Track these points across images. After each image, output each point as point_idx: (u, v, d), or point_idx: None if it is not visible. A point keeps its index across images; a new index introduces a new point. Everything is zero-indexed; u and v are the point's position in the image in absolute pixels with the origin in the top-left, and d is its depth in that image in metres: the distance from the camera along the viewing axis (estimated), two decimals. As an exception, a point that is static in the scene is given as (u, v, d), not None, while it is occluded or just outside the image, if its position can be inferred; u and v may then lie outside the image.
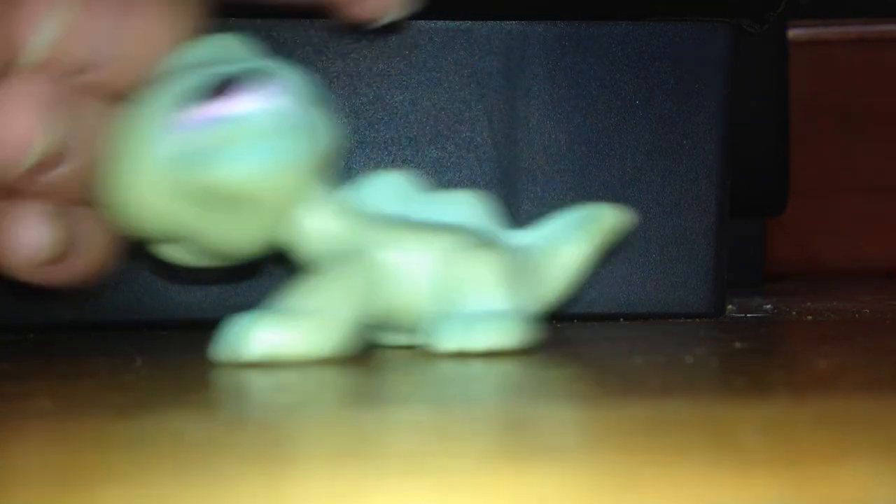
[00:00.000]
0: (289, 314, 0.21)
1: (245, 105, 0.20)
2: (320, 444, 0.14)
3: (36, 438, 0.14)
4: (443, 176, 0.29)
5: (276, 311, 0.21)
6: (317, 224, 0.22)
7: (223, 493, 0.11)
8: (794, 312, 0.32)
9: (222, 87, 0.21)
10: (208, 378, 0.20)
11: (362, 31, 0.28)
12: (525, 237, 0.24)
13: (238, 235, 0.22)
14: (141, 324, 0.29)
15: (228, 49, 0.22)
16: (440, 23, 0.29)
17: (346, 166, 0.29)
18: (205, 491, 0.11)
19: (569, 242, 0.24)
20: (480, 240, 0.22)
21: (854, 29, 0.60)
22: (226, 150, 0.20)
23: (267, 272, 0.29)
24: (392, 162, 0.29)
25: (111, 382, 0.20)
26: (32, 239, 0.24)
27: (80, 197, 0.24)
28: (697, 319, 0.29)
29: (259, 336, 0.21)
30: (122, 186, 0.21)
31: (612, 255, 0.29)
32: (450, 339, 0.21)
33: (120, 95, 0.22)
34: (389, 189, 0.23)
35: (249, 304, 0.29)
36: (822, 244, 0.61)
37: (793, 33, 0.54)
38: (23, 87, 0.22)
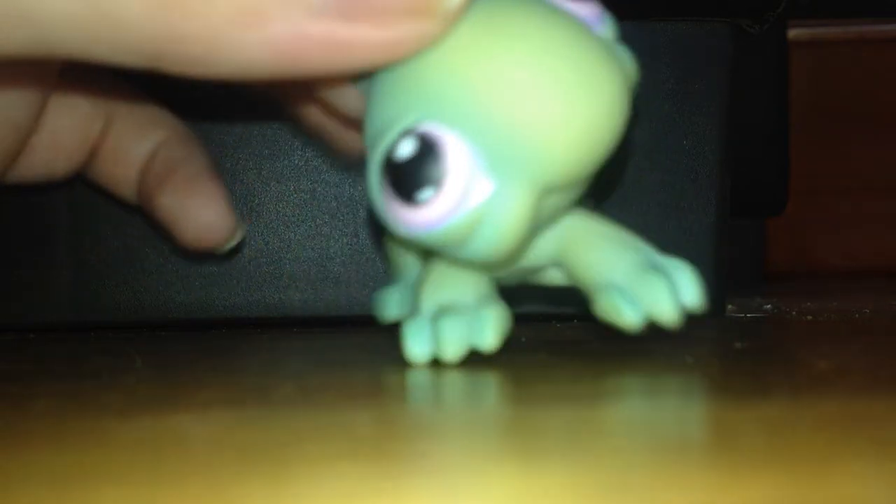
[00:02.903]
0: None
1: None
2: (320, 444, 0.14)
3: (36, 438, 0.14)
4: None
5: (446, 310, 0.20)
6: None
7: (223, 493, 0.11)
8: (794, 312, 0.32)
9: None
10: (208, 378, 0.20)
11: None
12: None
13: None
14: (141, 324, 0.29)
15: None
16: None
17: (352, 179, 0.29)
18: (205, 491, 0.11)
19: None
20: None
21: (854, 29, 0.60)
22: None
23: (273, 274, 0.29)
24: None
25: (111, 382, 0.20)
26: (224, 224, 0.25)
27: None
28: (697, 319, 0.29)
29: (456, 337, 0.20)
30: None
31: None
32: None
33: None
34: None
35: (249, 304, 0.29)
36: (822, 244, 0.61)
37: (793, 33, 0.54)
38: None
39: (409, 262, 0.23)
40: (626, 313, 0.20)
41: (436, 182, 0.18)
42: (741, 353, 0.22)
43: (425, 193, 0.18)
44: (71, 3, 0.16)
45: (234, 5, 0.16)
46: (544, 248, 0.21)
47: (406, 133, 0.18)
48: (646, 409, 0.16)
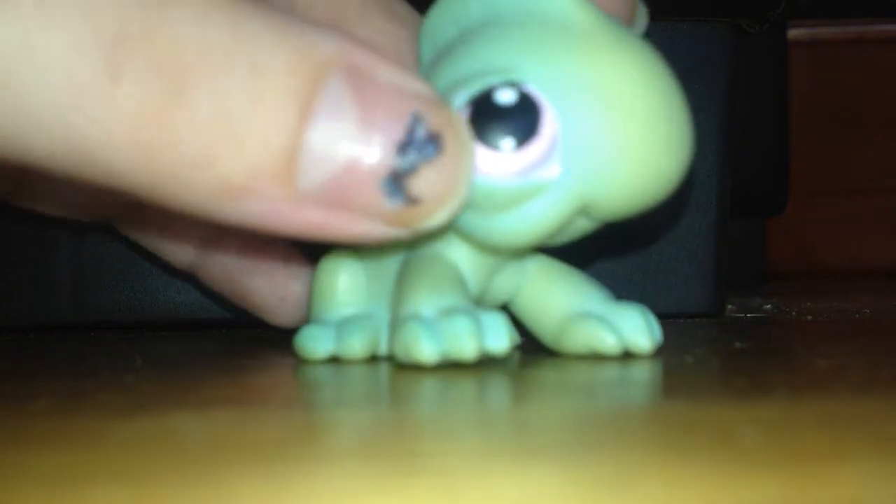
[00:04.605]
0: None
1: None
2: (320, 444, 0.14)
3: (36, 438, 0.14)
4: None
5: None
6: None
7: (223, 493, 0.11)
8: (794, 312, 0.32)
9: None
10: (208, 378, 0.20)
11: None
12: None
13: None
14: (141, 324, 0.29)
15: None
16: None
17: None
18: (205, 491, 0.11)
19: None
20: None
21: (854, 29, 0.60)
22: None
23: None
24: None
25: (111, 382, 0.20)
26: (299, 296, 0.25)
27: None
28: (697, 319, 0.29)
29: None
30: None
31: (612, 256, 0.29)
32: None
33: None
34: None
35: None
36: (822, 244, 0.61)
37: (793, 33, 0.54)
38: None
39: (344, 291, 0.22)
40: (607, 339, 0.20)
41: (522, 138, 0.18)
42: (741, 353, 0.22)
43: (507, 143, 0.18)
44: (52, 129, 0.15)
45: (220, 179, 0.16)
46: (505, 283, 0.21)
47: (511, 84, 0.18)
48: (645, 409, 0.16)
